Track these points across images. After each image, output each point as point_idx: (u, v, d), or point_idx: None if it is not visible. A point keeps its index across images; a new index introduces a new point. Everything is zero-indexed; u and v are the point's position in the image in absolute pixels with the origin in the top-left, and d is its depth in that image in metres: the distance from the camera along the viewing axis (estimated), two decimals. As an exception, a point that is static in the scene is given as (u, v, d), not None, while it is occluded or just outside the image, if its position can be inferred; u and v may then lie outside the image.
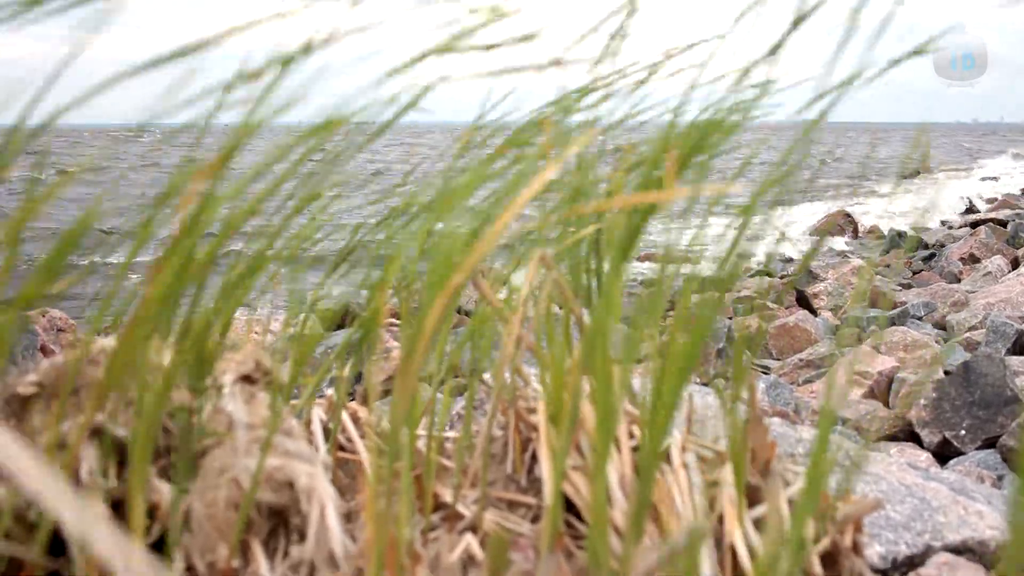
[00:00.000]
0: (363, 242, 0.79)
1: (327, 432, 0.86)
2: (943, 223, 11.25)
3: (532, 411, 0.83)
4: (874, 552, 1.22)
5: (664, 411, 0.61)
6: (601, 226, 0.70)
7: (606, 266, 0.73)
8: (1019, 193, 14.46)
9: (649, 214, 0.63)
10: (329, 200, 0.71)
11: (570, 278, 0.76)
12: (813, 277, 5.98)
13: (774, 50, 0.64)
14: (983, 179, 19.38)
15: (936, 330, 4.59)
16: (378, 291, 0.71)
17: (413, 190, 0.75)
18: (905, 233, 8.98)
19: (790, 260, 8.52)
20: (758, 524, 0.73)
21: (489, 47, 0.59)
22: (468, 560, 0.72)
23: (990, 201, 14.36)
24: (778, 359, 4.37)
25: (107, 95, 0.51)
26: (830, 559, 0.77)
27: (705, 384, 1.88)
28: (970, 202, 14.32)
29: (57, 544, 0.58)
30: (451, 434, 0.90)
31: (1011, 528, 0.49)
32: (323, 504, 0.65)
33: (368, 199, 0.79)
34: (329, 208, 0.72)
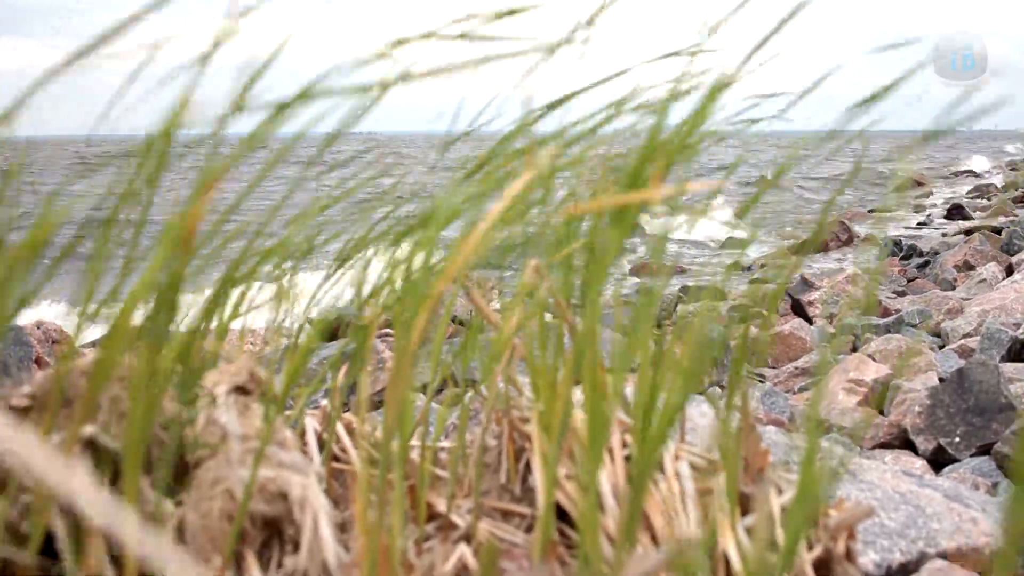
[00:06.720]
0: (355, 249, 0.80)
1: (322, 443, 0.86)
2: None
3: (526, 421, 0.83)
4: (868, 559, 1.22)
5: (661, 422, 0.62)
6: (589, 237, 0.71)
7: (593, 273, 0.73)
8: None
9: (632, 221, 0.63)
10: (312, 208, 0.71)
11: (562, 285, 0.76)
12: (808, 285, 5.99)
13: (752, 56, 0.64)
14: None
15: (931, 337, 4.59)
16: (370, 301, 0.72)
17: (401, 201, 0.76)
18: (900, 241, 9.01)
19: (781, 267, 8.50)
20: (751, 532, 0.73)
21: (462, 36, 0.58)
22: (462, 570, 0.72)
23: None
24: (773, 367, 4.37)
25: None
26: (823, 566, 0.77)
27: (699, 393, 1.88)
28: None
29: (49, 550, 0.58)
30: (445, 444, 0.90)
31: (1004, 533, 0.49)
32: (316, 514, 0.65)
33: (352, 211, 0.79)
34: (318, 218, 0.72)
